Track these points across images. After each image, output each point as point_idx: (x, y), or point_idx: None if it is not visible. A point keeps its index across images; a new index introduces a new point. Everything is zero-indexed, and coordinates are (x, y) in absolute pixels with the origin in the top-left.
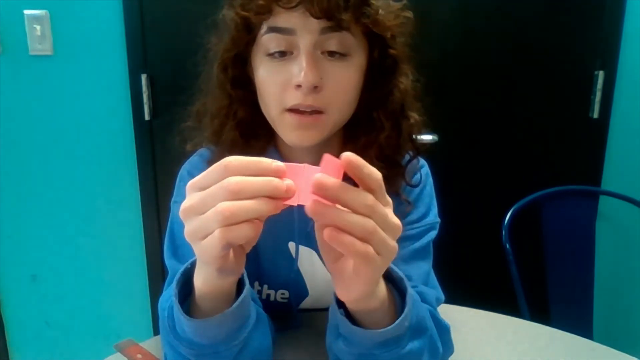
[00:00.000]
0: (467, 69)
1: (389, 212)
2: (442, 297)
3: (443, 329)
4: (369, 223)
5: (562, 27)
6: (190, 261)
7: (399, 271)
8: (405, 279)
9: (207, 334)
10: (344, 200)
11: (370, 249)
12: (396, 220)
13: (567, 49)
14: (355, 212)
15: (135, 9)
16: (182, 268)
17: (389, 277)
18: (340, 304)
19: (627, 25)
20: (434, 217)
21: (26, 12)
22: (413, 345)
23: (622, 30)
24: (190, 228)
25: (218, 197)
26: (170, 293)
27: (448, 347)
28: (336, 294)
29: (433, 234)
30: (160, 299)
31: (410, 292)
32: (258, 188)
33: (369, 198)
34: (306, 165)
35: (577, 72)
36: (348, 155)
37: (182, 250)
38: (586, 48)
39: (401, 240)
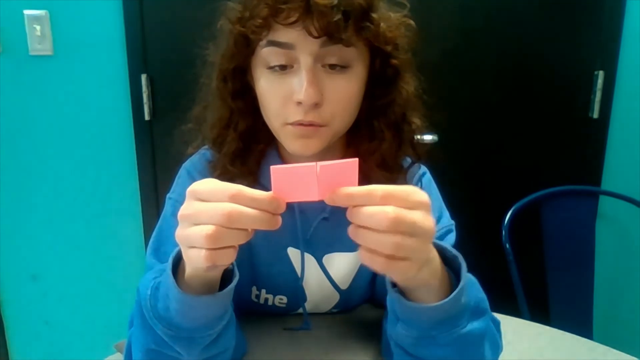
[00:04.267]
0: (467, 69)
1: (419, 215)
2: None
3: (496, 323)
4: (390, 239)
5: (562, 27)
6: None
7: (452, 250)
8: (459, 256)
9: (192, 314)
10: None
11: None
12: (428, 223)
13: (567, 49)
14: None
15: (136, 9)
16: (175, 251)
17: (443, 257)
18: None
19: (627, 25)
20: (447, 220)
21: (26, 12)
22: (473, 326)
23: (622, 30)
24: (180, 233)
25: (213, 219)
26: (151, 276)
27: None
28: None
29: (452, 236)
30: (140, 283)
31: (465, 268)
32: (252, 220)
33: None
34: (318, 163)
35: (577, 72)
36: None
37: (165, 247)
38: (586, 48)
39: None
